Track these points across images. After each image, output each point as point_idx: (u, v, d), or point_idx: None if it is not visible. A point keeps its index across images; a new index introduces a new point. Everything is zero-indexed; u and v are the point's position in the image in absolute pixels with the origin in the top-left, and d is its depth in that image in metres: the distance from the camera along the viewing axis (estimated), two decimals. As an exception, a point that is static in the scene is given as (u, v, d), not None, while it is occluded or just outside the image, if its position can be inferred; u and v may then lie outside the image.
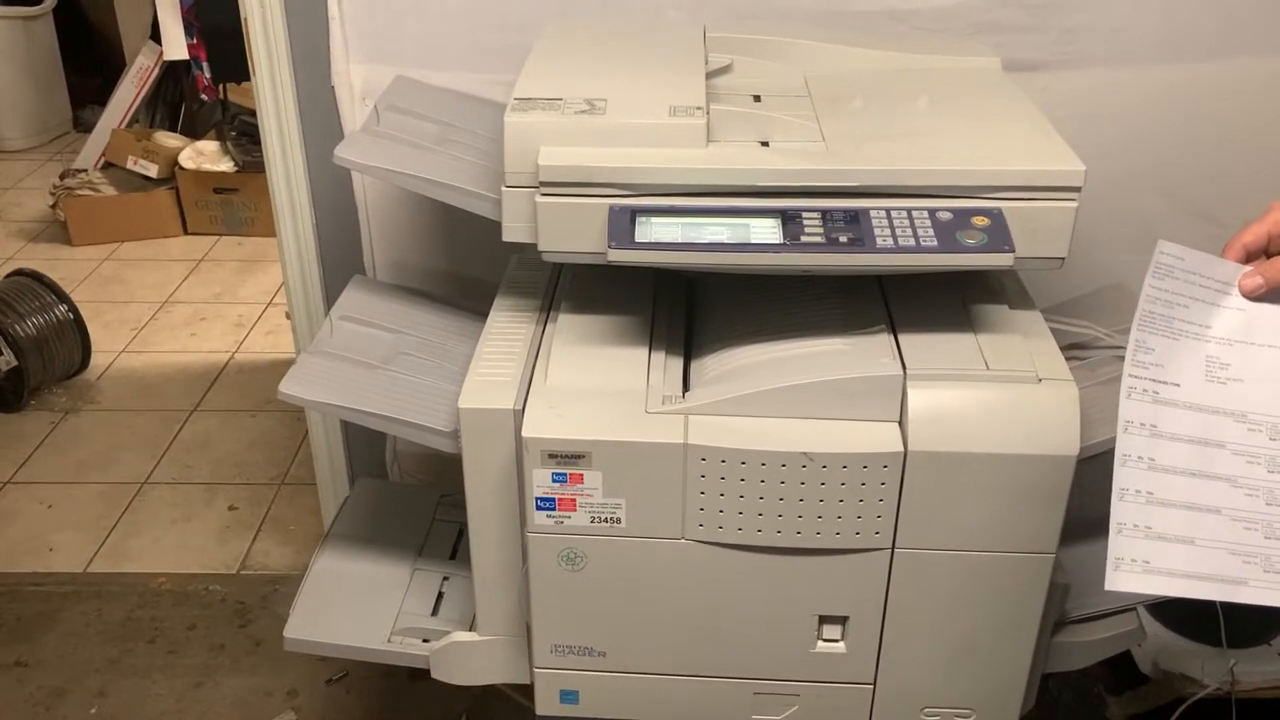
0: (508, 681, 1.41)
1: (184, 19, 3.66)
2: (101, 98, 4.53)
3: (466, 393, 1.23)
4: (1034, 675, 1.31)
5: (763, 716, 1.32)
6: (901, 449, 1.15)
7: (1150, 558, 1.00)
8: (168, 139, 4.09)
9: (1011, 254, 1.14)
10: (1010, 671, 1.28)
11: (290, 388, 1.31)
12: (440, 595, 1.50)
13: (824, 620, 1.26)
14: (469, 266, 1.84)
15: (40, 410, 2.98)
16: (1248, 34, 1.67)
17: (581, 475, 1.18)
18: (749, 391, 1.18)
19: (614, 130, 1.20)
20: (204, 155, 3.98)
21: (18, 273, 3.13)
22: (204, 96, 3.94)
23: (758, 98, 1.36)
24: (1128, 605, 1.42)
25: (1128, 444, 1.01)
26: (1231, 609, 1.69)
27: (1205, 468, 1.01)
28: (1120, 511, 1.01)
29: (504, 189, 1.22)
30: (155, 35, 4.09)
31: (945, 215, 1.16)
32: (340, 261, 1.88)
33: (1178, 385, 1.02)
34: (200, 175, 3.95)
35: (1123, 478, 1.01)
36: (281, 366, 1.37)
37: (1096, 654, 1.42)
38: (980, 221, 1.15)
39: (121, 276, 3.76)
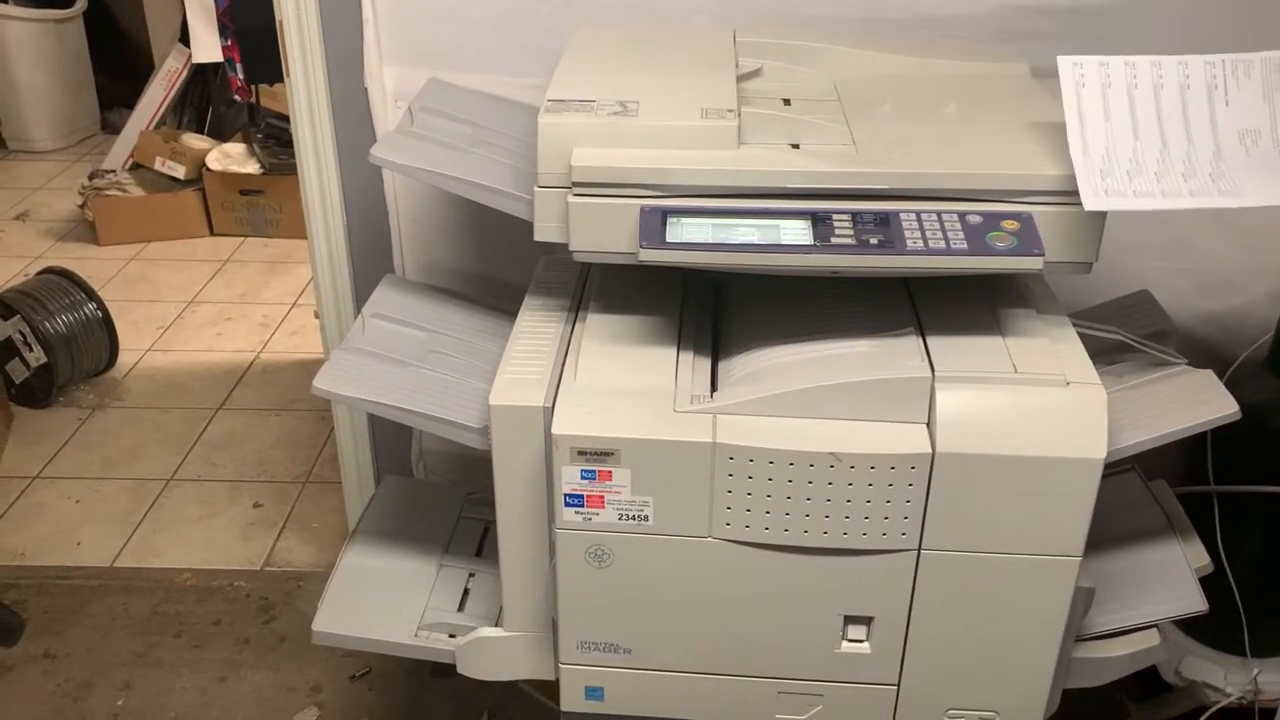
0: (533, 678, 1.42)
1: (219, 20, 3.70)
2: (130, 100, 4.58)
3: (497, 390, 1.25)
4: (1058, 679, 1.31)
5: (787, 716, 1.33)
6: (929, 450, 1.16)
7: None
8: (195, 141, 4.13)
9: (1041, 258, 1.15)
10: (1035, 675, 1.29)
11: (324, 383, 1.33)
12: (466, 591, 1.51)
13: (849, 620, 1.27)
14: (497, 268, 1.85)
15: (68, 407, 3.01)
16: (1274, 41, 1.67)
17: (610, 473, 1.19)
18: (777, 392, 1.19)
19: (646, 132, 1.22)
20: (231, 157, 4.02)
21: (48, 270, 3.17)
22: (237, 97, 3.98)
23: (788, 101, 1.37)
24: (1146, 624, 1.41)
25: None
26: (1255, 619, 1.70)
27: None
28: None
29: (537, 189, 1.24)
30: (184, 38, 4.14)
31: (975, 218, 1.17)
32: (370, 262, 1.90)
33: None
34: (227, 177, 3.99)
35: None
36: (306, 366, 1.40)
37: (1115, 672, 1.42)
38: (1010, 225, 1.16)
39: (148, 276, 3.80)
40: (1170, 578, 1.45)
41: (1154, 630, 1.42)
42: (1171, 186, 1.13)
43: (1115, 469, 1.51)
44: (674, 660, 1.31)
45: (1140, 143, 1.14)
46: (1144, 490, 1.57)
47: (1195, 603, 1.41)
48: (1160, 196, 1.13)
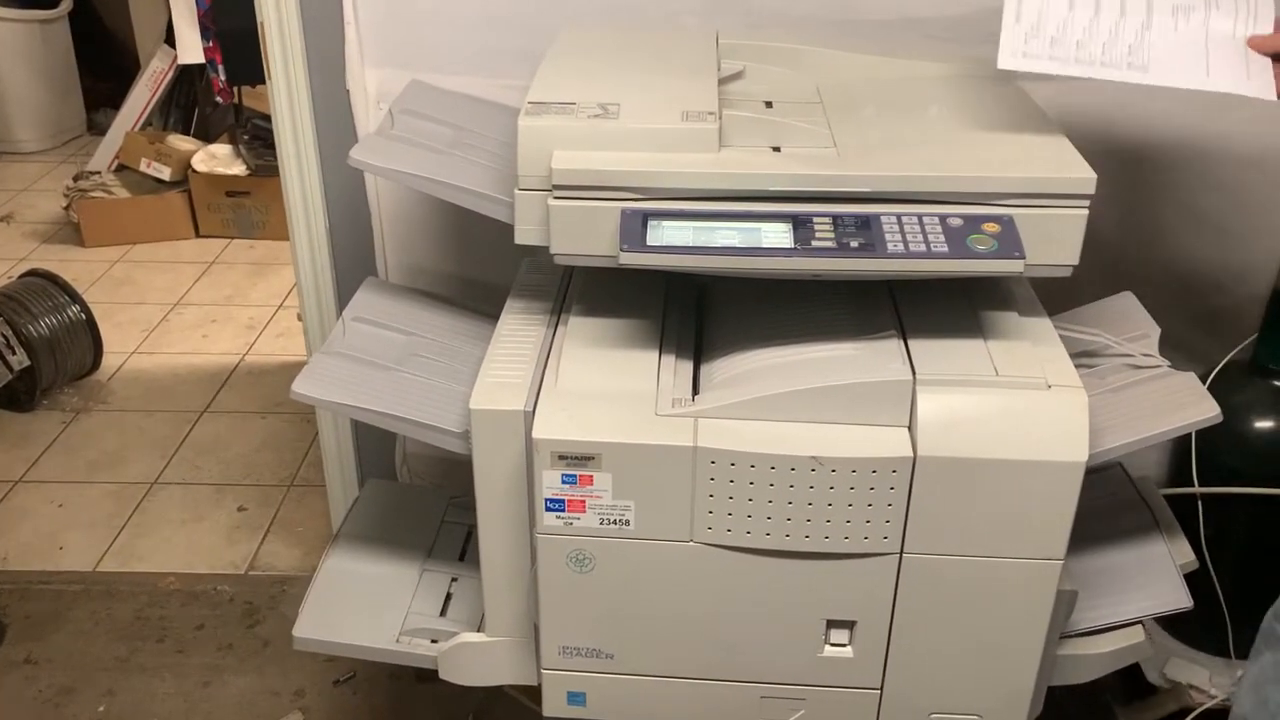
0: (515, 683, 1.41)
1: (200, 22, 3.68)
2: (115, 101, 4.56)
3: (478, 394, 1.24)
4: (1041, 682, 1.31)
5: (769, 720, 1.33)
6: (911, 454, 1.15)
7: None
8: (181, 142, 4.11)
9: (1022, 260, 1.14)
10: (1018, 678, 1.28)
11: (303, 387, 1.32)
12: (449, 596, 1.51)
13: (831, 624, 1.26)
14: (480, 270, 1.85)
15: (52, 410, 2.99)
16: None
17: (591, 477, 1.19)
18: (759, 395, 1.19)
19: (627, 134, 1.21)
20: (216, 158, 4.00)
21: (31, 273, 3.15)
22: (219, 99, 3.96)
23: (770, 104, 1.37)
24: (1131, 620, 1.42)
25: None
26: (1239, 620, 1.70)
27: None
28: None
29: (517, 192, 1.23)
30: (170, 39, 4.13)
31: (956, 221, 1.17)
32: (352, 264, 1.89)
33: None
34: (212, 178, 3.97)
35: None
36: (292, 369, 1.38)
37: (1101, 668, 1.42)
38: (991, 228, 1.16)
39: (133, 278, 3.78)
40: (1155, 574, 1.45)
41: (1139, 627, 1.42)
42: (1088, 55, 1.19)
43: (1099, 466, 1.51)
44: (656, 665, 1.31)
45: (1074, 13, 1.20)
46: (1129, 486, 1.57)
47: (1180, 599, 1.41)
48: (1074, 64, 1.19)
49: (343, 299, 1.89)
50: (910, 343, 1.24)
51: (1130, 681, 1.84)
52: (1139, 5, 1.20)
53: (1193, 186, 1.75)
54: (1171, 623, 1.84)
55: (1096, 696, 1.88)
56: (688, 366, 1.28)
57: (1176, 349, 1.80)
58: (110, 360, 3.18)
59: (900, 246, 1.15)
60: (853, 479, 1.16)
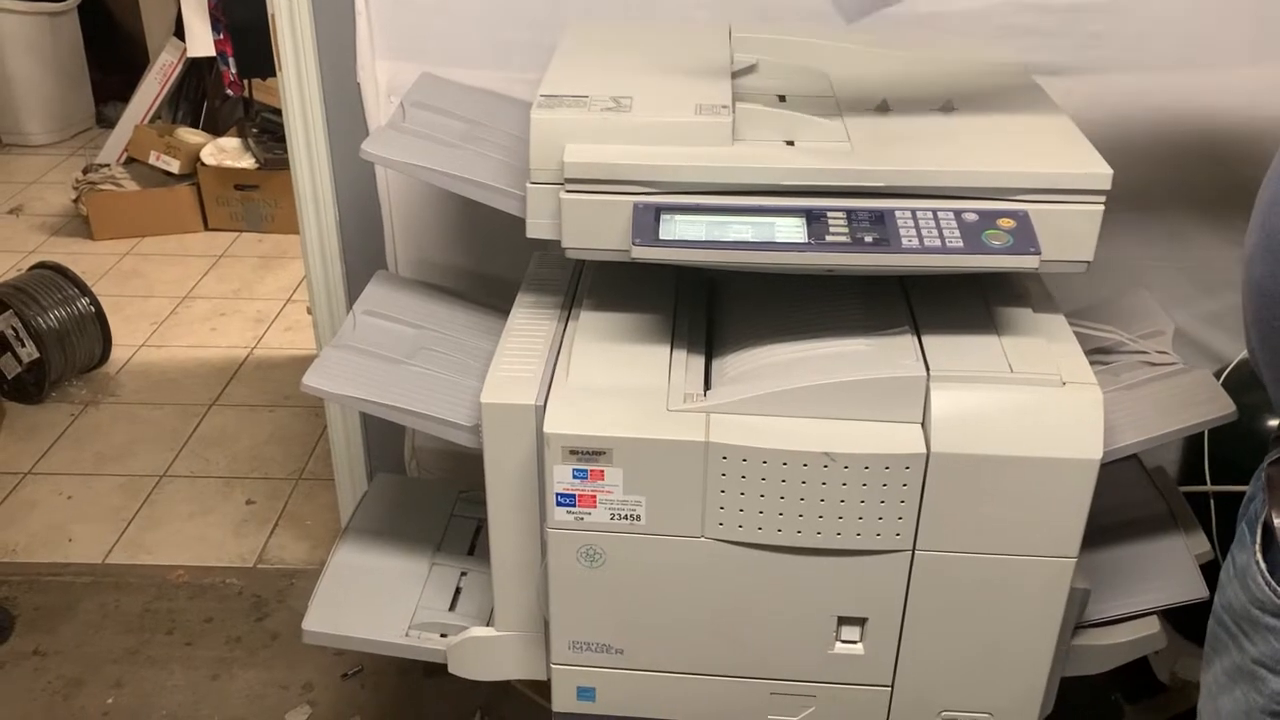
0: (525, 677, 1.41)
1: (211, 14, 3.68)
2: (125, 94, 4.56)
3: (489, 388, 1.24)
4: (1053, 680, 1.31)
5: (779, 717, 1.32)
6: (924, 450, 1.15)
7: None
8: (190, 135, 4.11)
9: (1037, 256, 1.14)
10: (1029, 676, 1.28)
11: (314, 380, 1.32)
12: (458, 590, 1.50)
13: (843, 621, 1.26)
14: (491, 264, 1.84)
15: (60, 402, 3.00)
16: (1276, 40, 1.66)
17: (602, 472, 1.18)
18: (771, 391, 1.18)
19: (639, 128, 1.21)
20: (225, 152, 4.00)
21: (40, 265, 3.15)
22: (229, 92, 3.96)
23: (783, 97, 1.36)
24: (1146, 610, 1.41)
25: None
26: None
27: None
28: None
29: (529, 185, 1.23)
30: (179, 32, 4.12)
31: (971, 216, 1.16)
32: (362, 257, 1.89)
33: None
34: (221, 172, 3.97)
35: None
36: (300, 362, 1.38)
37: (1115, 659, 1.42)
38: (1006, 223, 1.15)
39: (142, 271, 3.78)
40: (1171, 565, 1.44)
41: (1154, 618, 1.41)
42: None
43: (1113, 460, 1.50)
44: (666, 661, 1.30)
45: None
46: (1145, 478, 1.56)
47: (1196, 589, 1.40)
48: None
49: (352, 292, 1.89)
50: (924, 339, 1.23)
51: (1141, 681, 1.83)
52: None
53: (1209, 182, 1.74)
54: (1183, 622, 1.83)
55: (1106, 695, 1.87)
56: (699, 362, 1.27)
57: (1191, 346, 1.80)
58: (119, 353, 3.19)
59: (915, 241, 1.14)
60: (865, 475, 1.16)
